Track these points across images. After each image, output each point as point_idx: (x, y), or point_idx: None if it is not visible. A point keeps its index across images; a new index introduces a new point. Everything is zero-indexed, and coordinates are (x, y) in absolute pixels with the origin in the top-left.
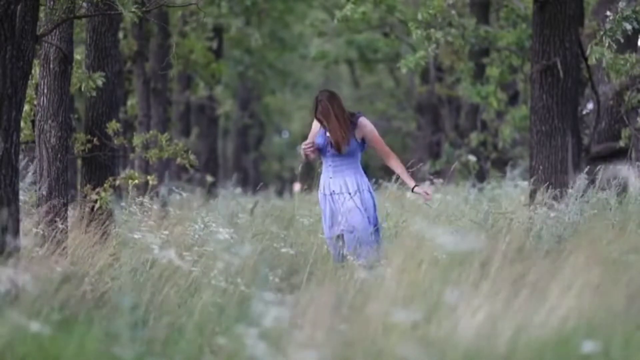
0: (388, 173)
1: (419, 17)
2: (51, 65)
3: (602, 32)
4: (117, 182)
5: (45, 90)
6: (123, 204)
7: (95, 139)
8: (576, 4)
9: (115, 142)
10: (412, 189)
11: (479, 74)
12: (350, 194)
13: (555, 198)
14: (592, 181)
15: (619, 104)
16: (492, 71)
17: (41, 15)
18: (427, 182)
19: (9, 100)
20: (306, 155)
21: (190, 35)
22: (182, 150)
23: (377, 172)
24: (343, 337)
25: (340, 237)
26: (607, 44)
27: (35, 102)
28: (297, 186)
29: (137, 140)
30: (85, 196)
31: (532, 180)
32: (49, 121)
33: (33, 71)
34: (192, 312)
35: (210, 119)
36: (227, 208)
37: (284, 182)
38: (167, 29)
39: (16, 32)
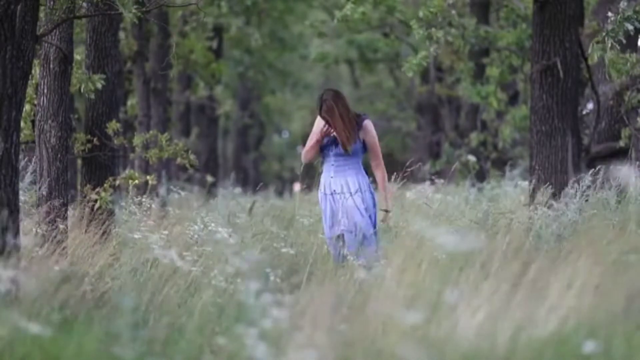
0: (388, 173)
1: (420, 14)
2: (51, 65)
3: (604, 33)
4: (117, 182)
5: (45, 90)
6: (123, 204)
7: (95, 139)
8: (576, 4)
9: (115, 142)
10: (384, 209)
11: (479, 74)
12: (351, 193)
13: (555, 198)
14: (592, 181)
15: (619, 104)
16: (492, 71)
17: (41, 15)
18: (428, 182)
19: (9, 100)
20: (308, 156)
21: (190, 35)
22: (182, 150)
23: None
24: (343, 337)
25: (340, 237)
26: (609, 45)
27: (35, 102)
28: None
29: (137, 140)
30: (85, 196)
31: (532, 180)
32: (49, 121)
33: (33, 71)
34: (192, 312)
35: (210, 119)
36: (226, 208)
37: (284, 182)
38: (167, 29)
39: (16, 32)
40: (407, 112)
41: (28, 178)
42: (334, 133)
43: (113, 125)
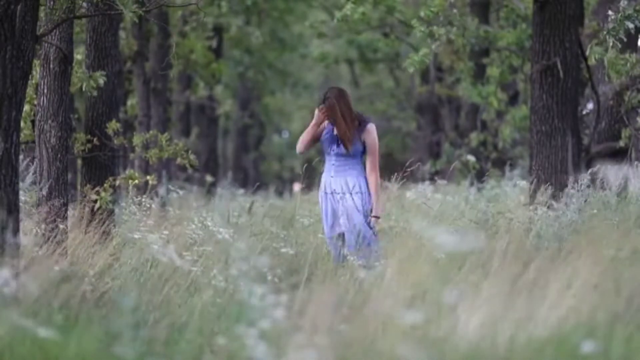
0: (388, 173)
1: (422, 14)
2: (51, 65)
3: (605, 32)
4: (117, 182)
5: (45, 90)
6: (123, 204)
7: (95, 139)
8: (576, 4)
9: (115, 142)
10: (374, 215)
11: (479, 74)
12: (351, 193)
13: (555, 198)
14: (592, 181)
15: (619, 104)
16: (492, 71)
17: (41, 15)
18: (427, 182)
19: (9, 100)
20: (301, 145)
21: (190, 35)
22: (182, 150)
23: None
24: (343, 337)
25: (340, 236)
26: (611, 43)
27: (35, 102)
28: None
29: (137, 140)
30: (85, 196)
31: (532, 180)
32: (49, 121)
33: (33, 71)
34: (192, 312)
35: (210, 119)
36: (226, 208)
37: (284, 182)
38: (167, 29)
39: (16, 32)
40: (407, 112)
41: (28, 178)
42: (335, 132)
43: (113, 125)
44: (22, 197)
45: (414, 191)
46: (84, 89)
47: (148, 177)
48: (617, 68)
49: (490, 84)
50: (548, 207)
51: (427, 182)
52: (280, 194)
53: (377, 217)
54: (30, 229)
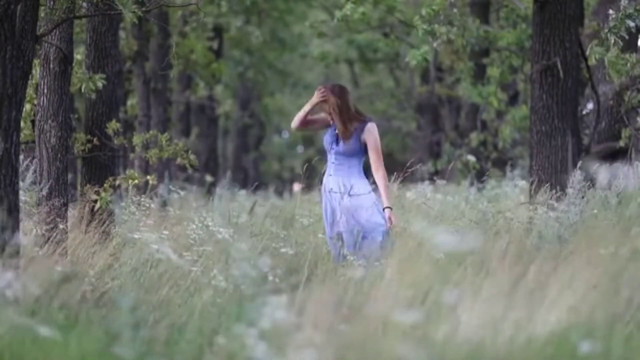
0: (388, 173)
1: (423, 12)
2: (51, 65)
3: (606, 30)
4: (117, 182)
5: (45, 90)
6: (123, 204)
7: (95, 139)
8: (576, 4)
9: (115, 142)
10: (384, 208)
11: (479, 74)
12: (349, 194)
13: (555, 198)
14: (592, 181)
15: (619, 104)
16: (493, 71)
17: (41, 15)
18: (427, 182)
19: (9, 100)
20: (295, 121)
21: (190, 35)
22: (182, 150)
23: None
24: (343, 337)
25: (340, 236)
26: (612, 41)
27: (35, 102)
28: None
29: (137, 140)
30: (85, 196)
31: (532, 180)
32: (49, 121)
33: (33, 71)
34: (192, 312)
35: (210, 119)
36: (225, 208)
37: (284, 182)
38: (167, 29)
39: (16, 32)
40: (407, 112)
41: (28, 178)
42: (336, 131)
43: (113, 125)
44: (22, 197)
45: (414, 191)
46: (83, 90)
47: (148, 177)
48: (617, 68)
49: (490, 84)
50: (548, 207)
51: (427, 182)
52: (280, 194)
53: (390, 208)
54: (30, 229)
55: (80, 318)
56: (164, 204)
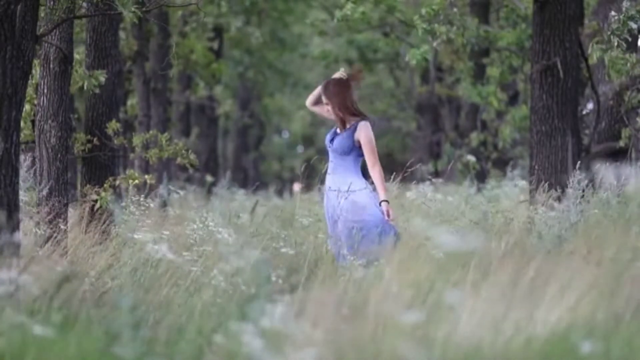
0: (388, 173)
1: (422, 12)
2: (51, 65)
3: (609, 32)
4: (117, 182)
5: (45, 90)
6: (123, 204)
7: (95, 139)
8: (576, 4)
9: (115, 142)
10: (380, 202)
11: (479, 74)
12: (346, 192)
13: (555, 198)
14: (592, 181)
15: (619, 104)
16: (492, 71)
17: (41, 15)
18: (428, 182)
19: (9, 100)
20: (310, 100)
21: (190, 35)
22: (182, 150)
23: None
24: (343, 337)
25: (339, 236)
26: (616, 44)
27: (35, 102)
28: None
29: (137, 140)
30: (85, 196)
31: (532, 180)
32: (49, 121)
33: (33, 71)
34: (192, 312)
35: (210, 119)
36: (226, 208)
37: (284, 182)
38: (167, 29)
39: (16, 32)
40: (407, 112)
41: (29, 178)
42: (337, 130)
43: (113, 125)
44: (22, 197)
45: (414, 191)
46: (85, 88)
47: (146, 177)
48: (617, 68)
49: (490, 84)
50: (548, 207)
51: (427, 182)
52: (280, 193)
53: (386, 201)
54: (30, 229)
55: (80, 318)
56: (164, 204)
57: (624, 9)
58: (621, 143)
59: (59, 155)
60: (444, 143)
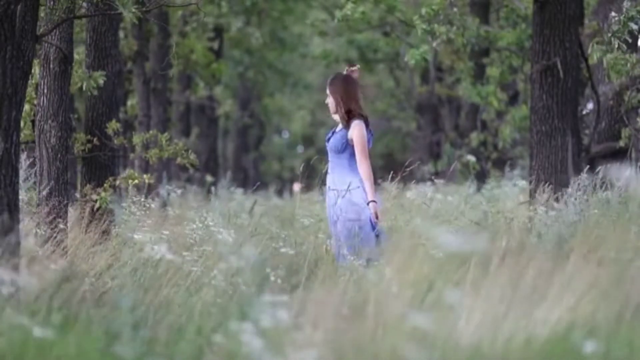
0: (388, 173)
1: (422, 12)
2: (51, 65)
3: (609, 34)
4: (117, 182)
5: (45, 90)
6: (123, 204)
7: (95, 139)
8: (576, 4)
9: (115, 142)
10: (368, 202)
11: (479, 74)
12: (343, 191)
13: (555, 198)
14: (592, 181)
15: (619, 104)
16: (492, 71)
17: (41, 15)
18: (428, 182)
19: (9, 100)
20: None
21: (190, 35)
22: (182, 150)
23: (377, 172)
24: (343, 337)
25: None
26: (616, 45)
27: (35, 102)
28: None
29: (137, 140)
30: (85, 196)
31: (531, 180)
32: (49, 121)
33: (33, 71)
34: (192, 312)
35: (210, 119)
36: (225, 208)
37: (284, 182)
38: (167, 29)
39: (16, 32)
40: (407, 112)
41: (30, 178)
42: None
43: (113, 125)
44: (22, 197)
45: (414, 191)
46: (84, 89)
47: (145, 177)
48: (617, 68)
49: (490, 84)
50: (548, 207)
51: (427, 183)
52: (279, 193)
53: (374, 202)
54: (30, 229)
55: (80, 318)
56: (164, 204)
57: (624, 10)
58: (621, 143)
59: (59, 155)
60: (444, 143)
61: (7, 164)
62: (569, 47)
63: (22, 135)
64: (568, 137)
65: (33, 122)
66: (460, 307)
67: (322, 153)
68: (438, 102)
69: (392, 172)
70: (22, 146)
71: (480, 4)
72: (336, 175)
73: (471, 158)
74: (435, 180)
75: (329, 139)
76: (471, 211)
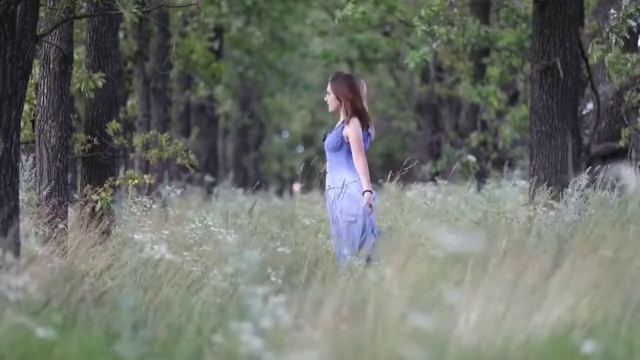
0: (387, 172)
1: (422, 13)
2: (51, 65)
3: (607, 30)
4: (117, 182)
5: (45, 90)
6: (123, 204)
7: (95, 139)
8: (576, 4)
9: (115, 142)
10: (363, 192)
11: (479, 74)
12: (341, 188)
13: (555, 198)
14: (592, 181)
15: (619, 104)
16: (492, 71)
17: (41, 15)
18: (428, 182)
19: (9, 100)
20: None
21: (190, 35)
22: (182, 150)
23: (377, 172)
24: (343, 337)
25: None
26: (614, 40)
27: (35, 102)
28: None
29: (137, 140)
30: (85, 196)
31: (531, 180)
32: (49, 121)
33: (33, 71)
34: (192, 312)
35: (210, 119)
36: (225, 208)
37: (284, 182)
38: (167, 29)
39: (16, 32)
40: (407, 112)
41: (29, 178)
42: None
43: (113, 125)
44: (22, 197)
45: (414, 191)
46: (82, 90)
47: (145, 177)
48: (617, 68)
49: (490, 84)
50: (548, 207)
51: (427, 182)
52: (280, 193)
53: (369, 192)
54: (30, 229)
55: (80, 318)
56: (164, 204)
57: (623, 7)
58: (621, 143)
59: (59, 155)
60: (444, 143)
61: (7, 164)
62: (569, 47)
63: (22, 135)
64: (568, 137)
65: (33, 122)
66: (460, 307)
67: (322, 153)
68: (438, 102)
69: (391, 171)
70: (22, 146)
71: (480, 4)
72: (334, 174)
73: (471, 158)
74: (441, 182)
75: (325, 138)
76: (471, 211)
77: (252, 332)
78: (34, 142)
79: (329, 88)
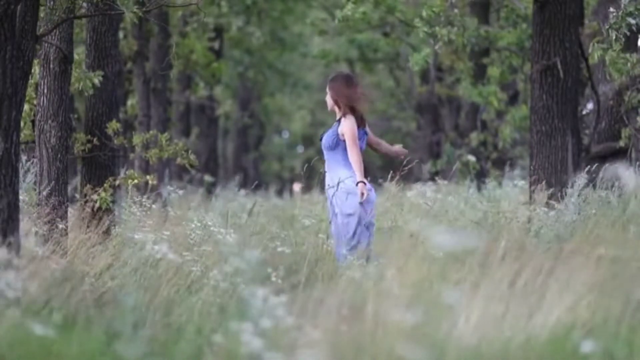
0: (387, 172)
1: (423, 14)
2: (51, 65)
3: (607, 27)
4: (117, 182)
5: (45, 90)
6: (123, 204)
7: (95, 139)
8: (576, 4)
9: (115, 142)
10: (357, 183)
11: (479, 74)
12: (338, 184)
13: (555, 198)
14: (592, 181)
15: (619, 104)
16: (493, 71)
17: (41, 15)
18: (428, 182)
19: (9, 100)
20: None
21: (190, 35)
22: (182, 150)
23: (377, 172)
24: (343, 337)
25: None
26: (614, 37)
27: (35, 102)
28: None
29: (137, 140)
30: (85, 196)
31: (531, 180)
32: (49, 121)
33: (33, 71)
34: (192, 312)
35: (210, 119)
36: (225, 208)
37: (284, 182)
38: (167, 29)
39: (16, 32)
40: (407, 112)
41: (29, 178)
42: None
43: (113, 125)
44: (22, 197)
45: (414, 191)
46: (80, 88)
47: (148, 177)
48: (617, 67)
49: (490, 84)
50: (548, 207)
51: (427, 182)
52: (280, 193)
53: (363, 182)
54: (30, 229)
55: (80, 318)
56: (164, 204)
57: (622, 6)
58: (621, 143)
59: (59, 155)
60: (444, 143)
61: (7, 164)
62: (569, 47)
63: (22, 135)
64: (568, 137)
65: (33, 122)
66: (460, 307)
67: (322, 153)
68: (438, 102)
69: (391, 171)
70: (22, 146)
71: (480, 4)
72: (332, 173)
73: (471, 158)
74: (441, 182)
75: (322, 138)
76: (471, 211)
77: (252, 332)
78: (34, 142)
79: (327, 88)
